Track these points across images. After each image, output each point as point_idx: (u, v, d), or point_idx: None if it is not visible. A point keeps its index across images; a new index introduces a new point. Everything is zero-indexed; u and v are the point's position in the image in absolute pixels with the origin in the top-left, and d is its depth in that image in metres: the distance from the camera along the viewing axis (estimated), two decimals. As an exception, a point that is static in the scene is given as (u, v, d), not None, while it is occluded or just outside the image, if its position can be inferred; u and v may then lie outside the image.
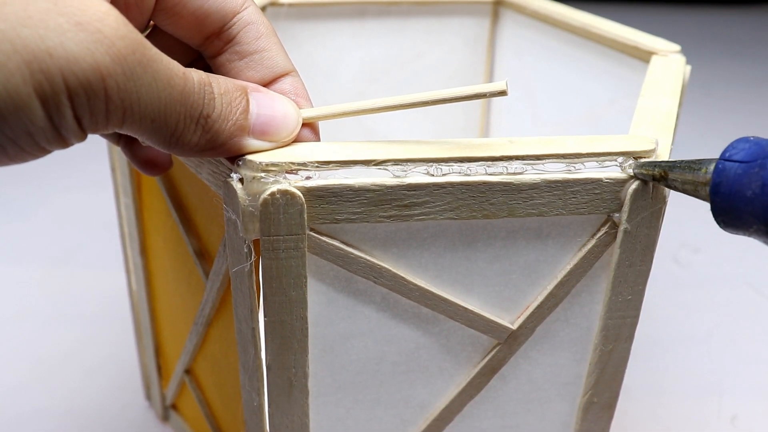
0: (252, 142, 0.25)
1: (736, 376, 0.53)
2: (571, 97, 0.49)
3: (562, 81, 0.49)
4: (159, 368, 0.45)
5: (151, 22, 0.27)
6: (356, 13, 0.52)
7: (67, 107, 0.20)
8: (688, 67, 0.40)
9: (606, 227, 0.28)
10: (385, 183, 0.26)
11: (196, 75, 0.24)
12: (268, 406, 0.29)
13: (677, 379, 0.52)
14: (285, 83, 0.28)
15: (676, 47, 0.41)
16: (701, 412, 0.50)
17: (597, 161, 0.27)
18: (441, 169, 0.26)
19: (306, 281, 0.27)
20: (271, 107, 0.26)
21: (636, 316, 0.31)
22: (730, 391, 0.52)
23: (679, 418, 0.49)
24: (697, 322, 0.58)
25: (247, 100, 0.25)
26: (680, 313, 0.59)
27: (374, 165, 0.26)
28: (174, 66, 0.23)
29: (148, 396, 0.48)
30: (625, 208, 0.28)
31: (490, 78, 0.56)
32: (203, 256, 0.34)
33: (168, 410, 0.46)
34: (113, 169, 0.41)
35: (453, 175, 0.26)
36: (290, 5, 0.50)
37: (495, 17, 0.54)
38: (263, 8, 0.49)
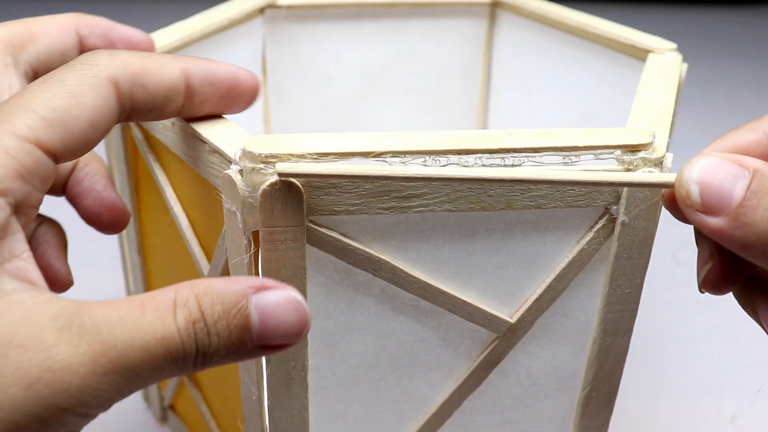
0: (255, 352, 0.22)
1: (736, 376, 0.53)
2: (568, 96, 0.49)
3: (560, 80, 0.49)
4: (158, 369, 0.45)
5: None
6: (353, 15, 0.53)
7: None
8: (685, 65, 0.40)
9: (604, 220, 0.28)
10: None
11: (181, 315, 0.20)
12: (268, 400, 0.29)
13: (677, 379, 0.52)
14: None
15: (673, 45, 0.41)
16: (701, 412, 0.50)
17: (594, 154, 0.27)
18: (439, 160, 0.26)
19: (305, 273, 0.27)
20: (277, 316, 0.22)
21: (634, 310, 0.31)
22: (730, 391, 0.51)
23: (678, 417, 0.49)
24: (697, 322, 0.58)
25: (247, 314, 0.21)
26: (680, 312, 0.59)
27: (373, 156, 0.26)
28: (148, 327, 0.20)
29: (146, 397, 0.48)
30: (623, 200, 0.28)
31: (488, 79, 0.56)
32: (202, 252, 0.34)
33: (166, 411, 0.46)
34: (110, 168, 0.41)
35: (451, 166, 0.26)
36: (288, 8, 0.51)
37: (492, 18, 0.54)
38: (261, 10, 0.49)
